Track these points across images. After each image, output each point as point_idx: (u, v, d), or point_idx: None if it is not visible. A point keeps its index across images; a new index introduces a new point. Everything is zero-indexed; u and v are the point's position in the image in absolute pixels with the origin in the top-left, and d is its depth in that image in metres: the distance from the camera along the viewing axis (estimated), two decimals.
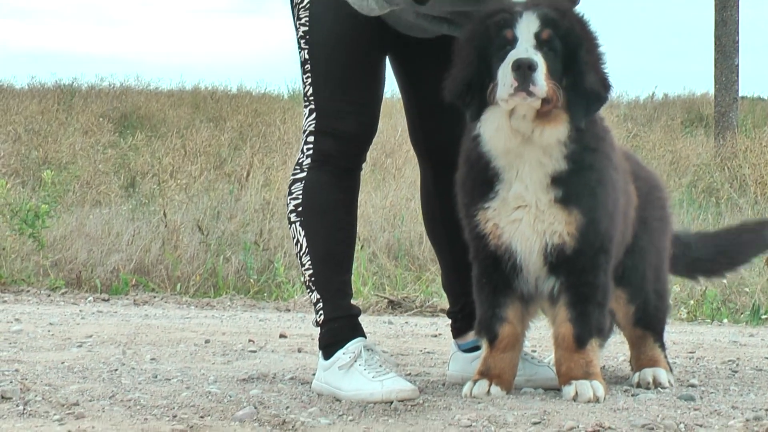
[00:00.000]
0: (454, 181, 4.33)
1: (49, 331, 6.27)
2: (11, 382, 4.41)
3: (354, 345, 4.25)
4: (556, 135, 4.00)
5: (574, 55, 4.02)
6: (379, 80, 4.37)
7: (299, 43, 4.33)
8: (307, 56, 4.30)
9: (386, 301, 8.17)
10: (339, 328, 4.29)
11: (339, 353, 4.24)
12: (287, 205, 4.37)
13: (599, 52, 4.10)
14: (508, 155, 4.05)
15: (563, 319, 4.13)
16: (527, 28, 4.01)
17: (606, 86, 4.07)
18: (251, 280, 9.32)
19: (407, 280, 9.42)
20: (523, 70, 3.90)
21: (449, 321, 4.69)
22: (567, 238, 4.06)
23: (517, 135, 4.00)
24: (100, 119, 18.64)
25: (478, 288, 4.28)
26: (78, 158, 15.44)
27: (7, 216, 9.86)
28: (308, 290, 4.35)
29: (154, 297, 8.70)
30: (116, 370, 4.82)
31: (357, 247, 9.77)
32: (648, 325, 4.54)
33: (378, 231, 10.47)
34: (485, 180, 4.10)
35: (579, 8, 4.15)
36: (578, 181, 4.04)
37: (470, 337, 4.56)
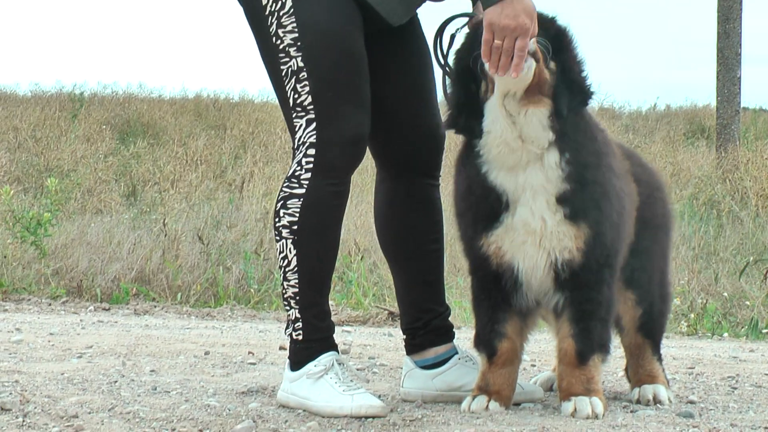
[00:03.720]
0: (415, 194, 4.37)
1: (49, 341, 6.27)
2: (11, 393, 4.41)
3: (326, 358, 4.19)
4: (537, 116, 4.01)
5: (562, 53, 4.09)
6: (368, 75, 4.24)
7: (285, 52, 4.14)
8: (301, 63, 4.12)
9: (386, 312, 8.16)
10: (313, 348, 4.22)
11: (310, 365, 4.19)
12: (278, 217, 4.20)
13: (582, 62, 4.17)
14: (508, 172, 4.05)
15: (566, 334, 4.13)
16: None
17: (588, 85, 4.13)
18: (251, 290, 9.32)
19: None
20: None
21: (404, 336, 4.59)
22: (576, 252, 4.06)
23: (512, 123, 4.01)
24: (103, 127, 18.65)
25: (476, 303, 4.28)
26: (79, 166, 15.45)
27: (9, 223, 9.86)
28: (286, 303, 4.24)
29: (155, 306, 8.70)
30: (116, 381, 4.83)
31: (357, 258, 9.81)
32: (649, 332, 4.52)
33: (378, 241, 10.46)
34: (488, 209, 4.10)
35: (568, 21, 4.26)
36: (583, 197, 4.05)
37: (431, 354, 4.50)
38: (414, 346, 4.55)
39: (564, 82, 4.06)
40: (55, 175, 14.03)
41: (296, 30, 4.12)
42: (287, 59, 4.15)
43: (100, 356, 5.68)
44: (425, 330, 4.51)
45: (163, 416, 4.07)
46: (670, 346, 6.74)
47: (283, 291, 4.23)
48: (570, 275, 4.08)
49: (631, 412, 4.27)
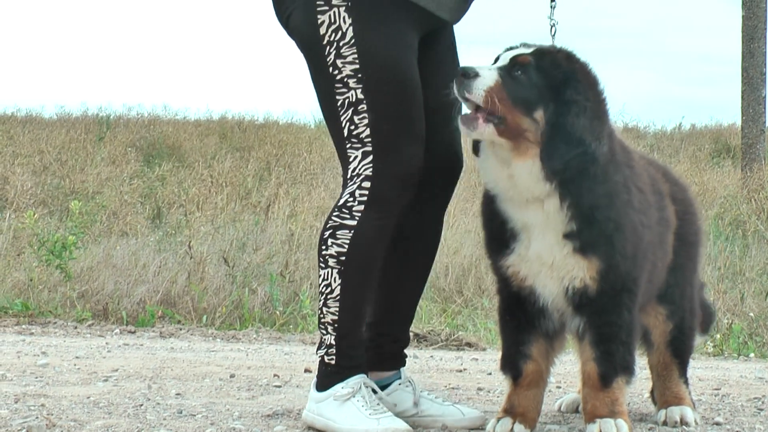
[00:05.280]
0: (419, 221, 4.36)
1: (75, 364, 6.29)
2: (37, 417, 4.43)
3: (354, 380, 4.18)
4: (527, 169, 3.91)
5: (558, 92, 3.92)
6: (422, 102, 4.20)
7: (344, 83, 4.09)
8: (360, 95, 4.07)
9: (412, 334, 8.14)
10: (343, 372, 4.21)
11: (337, 386, 4.18)
12: (326, 245, 4.18)
13: (595, 96, 3.99)
14: (516, 208, 4.01)
15: (588, 357, 4.12)
16: (512, 53, 4.00)
17: (593, 134, 3.93)
18: (277, 312, 9.32)
19: (432, 313, 9.41)
20: (460, 77, 3.88)
21: None
22: (588, 281, 4.04)
23: (502, 165, 3.95)
24: (128, 149, 18.72)
25: (502, 324, 4.28)
26: (105, 188, 15.50)
27: (34, 247, 9.90)
28: (322, 327, 4.22)
29: (180, 329, 8.72)
30: (141, 405, 4.84)
31: None
32: (678, 349, 4.52)
33: None
34: (503, 235, 4.09)
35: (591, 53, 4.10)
36: (591, 233, 3.99)
37: (374, 376, 4.39)
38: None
39: (561, 138, 3.88)
40: (81, 197, 14.09)
41: (357, 61, 4.07)
42: (345, 90, 4.10)
43: (125, 379, 5.69)
44: (375, 352, 4.44)
45: None
46: (695, 366, 6.71)
47: (321, 316, 4.21)
48: (586, 301, 4.06)
49: None
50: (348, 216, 4.14)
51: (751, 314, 8.89)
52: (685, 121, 23.66)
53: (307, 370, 6.20)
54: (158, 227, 13.41)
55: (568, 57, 4.03)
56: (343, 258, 4.14)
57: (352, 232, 4.13)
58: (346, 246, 4.13)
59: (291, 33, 4.25)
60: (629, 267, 4.06)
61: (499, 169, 3.97)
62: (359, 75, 4.07)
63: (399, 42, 4.09)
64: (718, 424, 4.55)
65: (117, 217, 13.89)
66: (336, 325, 4.18)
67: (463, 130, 3.93)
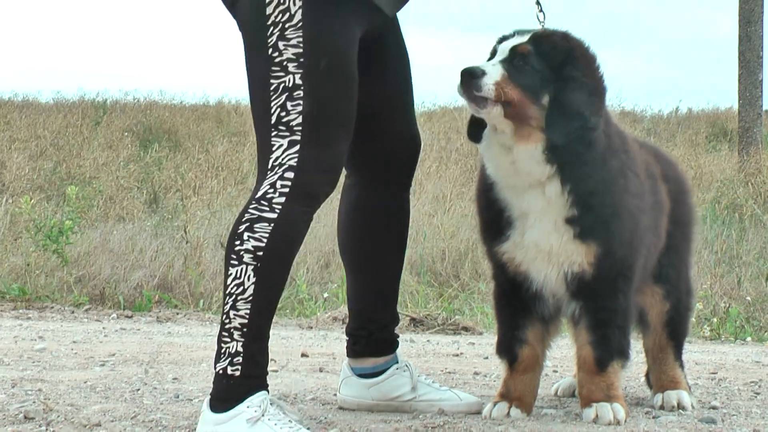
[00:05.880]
0: (383, 203, 4.31)
1: (72, 349, 6.29)
2: (34, 402, 4.44)
3: (258, 398, 3.85)
4: (529, 153, 3.94)
5: (559, 72, 3.97)
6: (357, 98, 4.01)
7: (282, 66, 3.86)
8: (299, 81, 3.84)
9: (408, 318, 8.16)
10: (249, 385, 3.87)
11: (241, 406, 3.81)
12: (240, 240, 3.85)
13: (593, 73, 4.04)
14: (515, 193, 4.03)
15: (584, 341, 4.13)
16: (510, 44, 4.02)
17: (592, 108, 3.97)
18: None
19: (429, 297, 9.42)
20: (466, 78, 3.90)
21: (346, 338, 4.49)
22: (586, 266, 4.04)
23: (505, 151, 3.97)
24: (124, 134, 18.71)
25: (497, 308, 4.30)
26: (101, 173, 15.50)
27: (31, 232, 9.90)
28: (226, 335, 3.86)
29: (177, 314, 8.72)
30: (138, 389, 4.84)
31: None
32: (674, 331, 4.53)
33: None
34: (499, 222, 4.10)
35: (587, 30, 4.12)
36: (591, 218, 4.01)
37: (369, 363, 4.42)
38: (354, 351, 4.46)
39: (560, 113, 3.93)
40: (77, 182, 14.09)
41: (301, 45, 3.86)
42: (282, 74, 3.87)
43: (122, 364, 5.70)
44: (368, 340, 4.42)
45: (186, 424, 4.09)
46: (692, 350, 6.72)
47: (227, 321, 3.85)
48: (583, 286, 4.07)
49: (653, 417, 4.27)
50: (267, 208, 3.84)
51: (748, 298, 8.90)
52: (682, 105, 23.76)
53: (303, 355, 6.21)
54: (155, 212, 13.42)
55: (565, 37, 4.06)
56: (261, 253, 3.83)
57: (272, 225, 3.83)
58: (265, 240, 3.83)
59: (234, 12, 4.05)
60: (626, 252, 4.07)
61: (503, 155, 3.99)
62: (301, 60, 3.85)
63: (347, 33, 3.93)
64: (714, 408, 4.55)
65: (113, 201, 13.90)
66: (244, 330, 3.83)
67: (471, 107, 3.93)
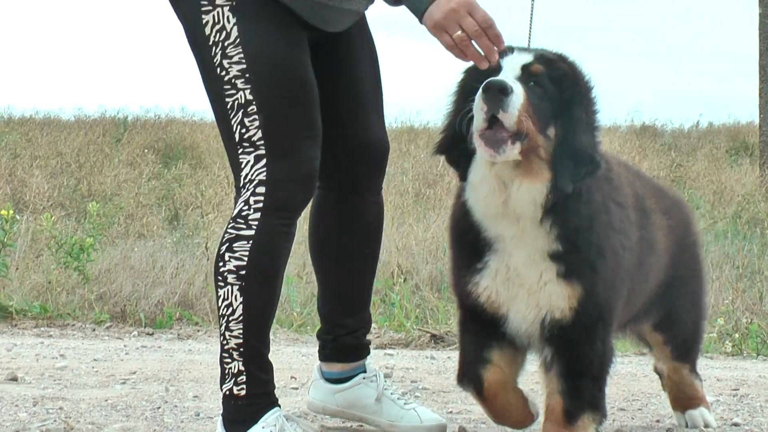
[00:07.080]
0: (348, 208, 4.20)
1: (93, 367, 6.31)
2: (55, 420, 4.45)
3: (272, 417, 3.87)
4: (532, 193, 3.59)
5: (569, 107, 3.62)
6: (318, 102, 3.96)
7: (232, 84, 3.85)
8: (249, 96, 3.82)
9: (429, 335, 8.14)
10: (258, 404, 3.88)
11: (256, 427, 3.84)
12: (223, 261, 3.88)
13: (596, 116, 3.70)
14: (496, 224, 3.67)
15: (553, 390, 3.78)
16: (516, 60, 3.64)
17: (597, 146, 3.65)
18: (294, 313, 9.32)
19: (450, 313, 9.40)
20: (493, 92, 3.47)
21: (318, 341, 4.47)
22: (567, 312, 3.70)
23: (500, 187, 3.60)
24: (145, 151, 18.76)
25: (462, 332, 3.97)
26: (122, 190, 15.55)
27: (52, 249, 9.93)
28: (226, 356, 3.89)
29: (198, 331, 8.73)
30: (159, 407, 4.85)
31: (400, 280, 9.81)
32: (682, 356, 4.44)
33: (420, 263, 10.47)
34: (475, 251, 3.75)
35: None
36: (577, 258, 3.67)
37: (336, 368, 4.37)
38: (323, 355, 4.44)
39: (567, 150, 3.58)
40: (98, 199, 14.12)
41: (243, 61, 3.84)
42: (234, 92, 3.86)
43: (143, 382, 5.71)
44: (334, 344, 4.37)
45: None
46: (714, 366, 6.69)
47: (224, 343, 3.89)
48: (560, 331, 3.73)
49: None
50: (244, 226, 3.86)
51: None
52: (703, 119, 23.57)
53: None
54: (175, 229, 13.43)
55: (569, 64, 3.73)
56: (243, 272, 3.85)
57: (251, 242, 3.85)
58: (246, 258, 3.85)
59: (184, 28, 4.02)
60: (608, 295, 3.75)
61: (497, 191, 3.62)
62: (246, 75, 3.84)
63: (286, 40, 3.88)
64: (736, 424, 4.54)
65: (134, 218, 13.93)
66: (241, 350, 3.85)
67: (487, 153, 3.53)
